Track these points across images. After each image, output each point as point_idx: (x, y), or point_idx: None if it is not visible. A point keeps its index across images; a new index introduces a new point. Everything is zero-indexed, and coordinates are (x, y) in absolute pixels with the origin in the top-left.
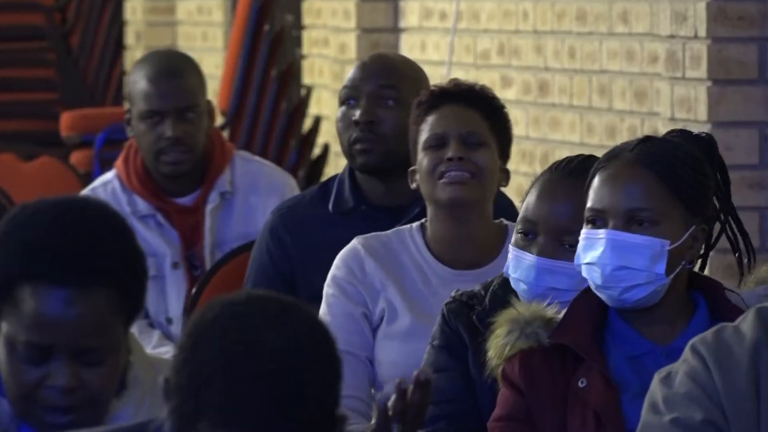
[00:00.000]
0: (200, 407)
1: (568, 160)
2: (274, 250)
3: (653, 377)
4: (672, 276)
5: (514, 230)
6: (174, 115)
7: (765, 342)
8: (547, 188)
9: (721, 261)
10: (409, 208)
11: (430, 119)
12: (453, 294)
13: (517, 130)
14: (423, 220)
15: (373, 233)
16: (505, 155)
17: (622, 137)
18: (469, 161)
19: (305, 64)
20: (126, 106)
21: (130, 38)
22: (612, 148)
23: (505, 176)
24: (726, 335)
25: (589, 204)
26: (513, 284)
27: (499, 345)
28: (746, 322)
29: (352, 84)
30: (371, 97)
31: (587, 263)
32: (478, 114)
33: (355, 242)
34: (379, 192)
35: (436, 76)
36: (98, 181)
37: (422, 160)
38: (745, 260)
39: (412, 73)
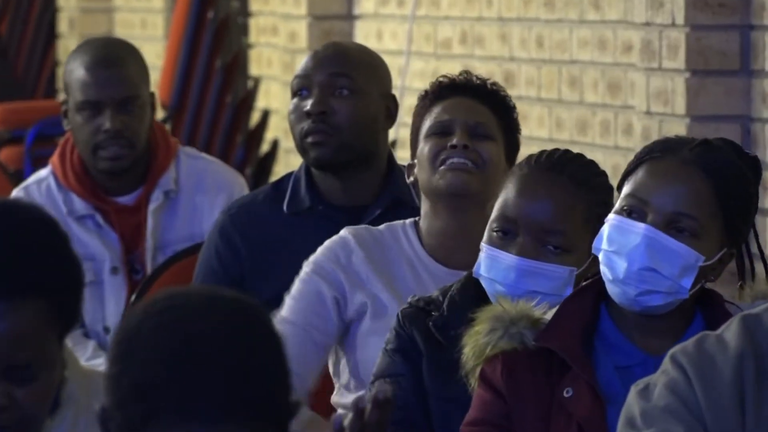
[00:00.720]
0: (149, 413)
1: (547, 154)
2: (223, 253)
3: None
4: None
5: (488, 228)
6: (113, 107)
7: (750, 351)
8: (528, 184)
9: None
10: (370, 208)
11: (436, 109)
12: (409, 299)
13: None
14: (416, 218)
15: (364, 226)
16: (511, 159)
17: (594, 132)
18: (474, 151)
19: (252, 54)
20: (61, 97)
21: (63, 26)
22: (663, 138)
23: None
24: (708, 345)
25: (628, 190)
26: (486, 285)
27: (479, 343)
28: (730, 331)
29: (304, 73)
30: (323, 86)
31: (612, 251)
32: (488, 110)
33: (344, 232)
34: (336, 191)
35: (394, 67)
36: (32, 179)
37: (423, 147)
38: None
39: (368, 60)
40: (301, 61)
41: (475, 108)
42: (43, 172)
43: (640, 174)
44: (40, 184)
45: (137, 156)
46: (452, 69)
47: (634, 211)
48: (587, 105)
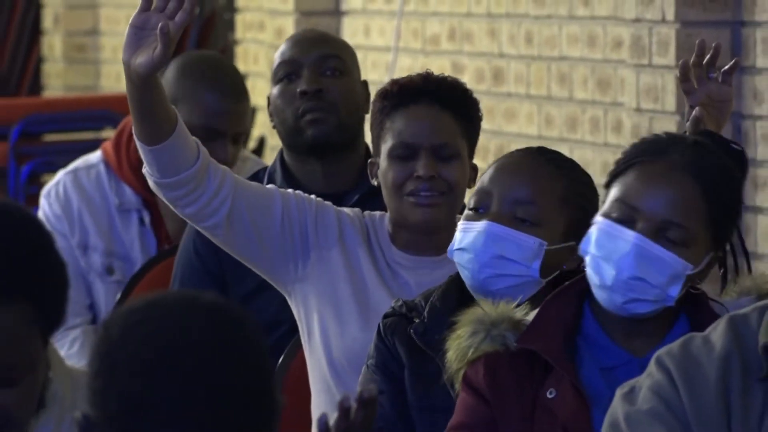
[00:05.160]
0: (144, 424)
1: (535, 147)
2: (201, 248)
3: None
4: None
5: (465, 209)
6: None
7: (736, 352)
8: (507, 161)
9: None
10: (348, 194)
11: (398, 120)
12: (393, 304)
13: None
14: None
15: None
16: (473, 152)
17: (584, 130)
18: (440, 179)
19: (239, 51)
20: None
21: (47, 22)
22: (653, 138)
23: (474, 174)
24: (694, 346)
25: (617, 195)
26: (457, 258)
27: (461, 347)
28: (717, 332)
29: (291, 58)
30: (314, 67)
31: (600, 257)
32: (451, 115)
33: (365, 213)
34: (315, 177)
35: (381, 64)
36: (81, 162)
37: (387, 170)
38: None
39: (346, 44)
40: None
41: (438, 121)
42: (93, 158)
43: (629, 177)
44: (89, 170)
45: None
46: (441, 65)
47: (623, 216)
48: (577, 102)
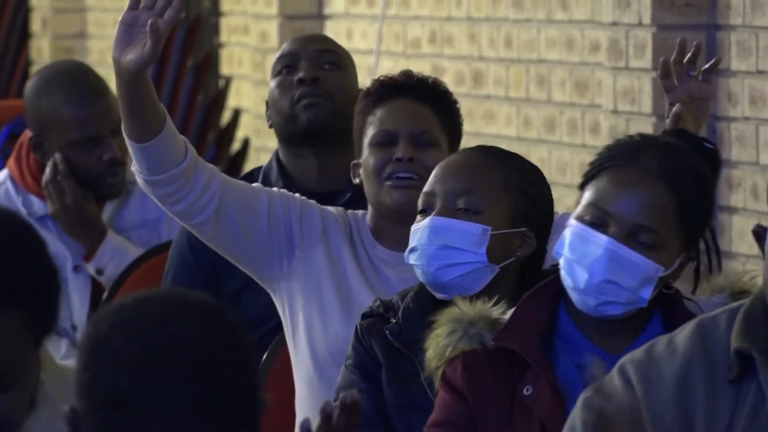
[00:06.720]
0: (129, 418)
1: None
2: (195, 243)
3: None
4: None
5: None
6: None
7: (700, 356)
8: (446, 162)
9: None
10: (341, 193)
11: (379, 113)
12: (371, 304)
13: None
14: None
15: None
16: (455, 149)
17: (562, 131)
18: (419, 163)
19: (223, 53)
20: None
21: (35, 25)
22: (625, 141)
23: None
24: (657, 349)
25: (590, 199)
26: (411, 260)
27: (439, 345)
28: (683, 333)
29: (290, 52)
30: (311, 59)
31: (574, 260)
32: (430, 110)
33: (348, 212)
34: (311, 174)
35: (364, 66)
36: None
37: (368, 157)
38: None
39: (342, 47)
40: (274, 57)
41: (417, 112)
42: (0, 177)
43: (602, 181)
44: None
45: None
46: (421, 68)
47: (596, 220)
48: (555, 104)
